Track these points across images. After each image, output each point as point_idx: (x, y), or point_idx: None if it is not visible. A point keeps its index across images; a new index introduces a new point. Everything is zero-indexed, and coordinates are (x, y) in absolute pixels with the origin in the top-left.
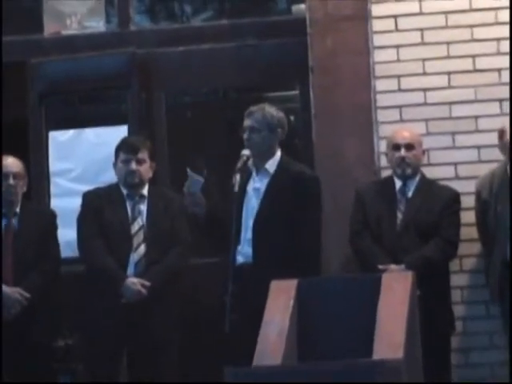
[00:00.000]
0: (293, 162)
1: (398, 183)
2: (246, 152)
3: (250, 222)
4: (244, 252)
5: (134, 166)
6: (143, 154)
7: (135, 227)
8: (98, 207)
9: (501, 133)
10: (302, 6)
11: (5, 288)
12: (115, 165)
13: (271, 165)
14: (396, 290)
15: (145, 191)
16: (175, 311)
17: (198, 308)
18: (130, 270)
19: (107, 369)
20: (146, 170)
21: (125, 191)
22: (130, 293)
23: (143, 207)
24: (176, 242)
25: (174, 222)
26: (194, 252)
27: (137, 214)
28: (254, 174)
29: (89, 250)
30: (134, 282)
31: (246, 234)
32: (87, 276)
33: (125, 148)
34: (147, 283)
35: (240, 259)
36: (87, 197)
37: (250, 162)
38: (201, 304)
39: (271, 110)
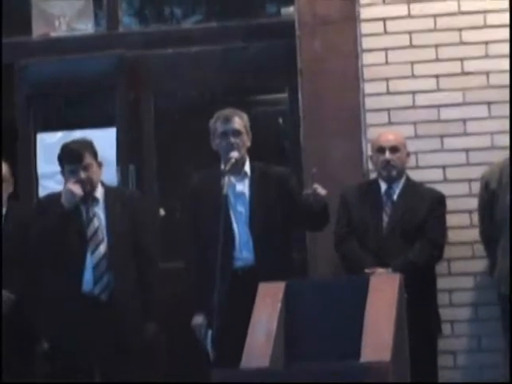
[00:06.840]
0: (262, 163)
1: (384, 186)
2: (234, 154)
3: (243, 227)
4: (243, 257)
5: (82, 175)
6: (88, 159)
7: (91, 230)
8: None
9: None
10: (291, 9)
11: None
12: (62, 172)
13: (247, 168)
14: (384, 291)
15: (97, 194)
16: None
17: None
18: (88, 273)
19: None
20: (94, 173)
21: None
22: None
23: (97, 209)
24: (145, 258)
25: (140, 230)
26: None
27: (91, 215)
28: (229, 177)
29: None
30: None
31: (241, 238)
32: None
33: (68, 158)
34: None
35: (238, 264)
36: (39, 203)
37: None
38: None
39: (244, 114)
